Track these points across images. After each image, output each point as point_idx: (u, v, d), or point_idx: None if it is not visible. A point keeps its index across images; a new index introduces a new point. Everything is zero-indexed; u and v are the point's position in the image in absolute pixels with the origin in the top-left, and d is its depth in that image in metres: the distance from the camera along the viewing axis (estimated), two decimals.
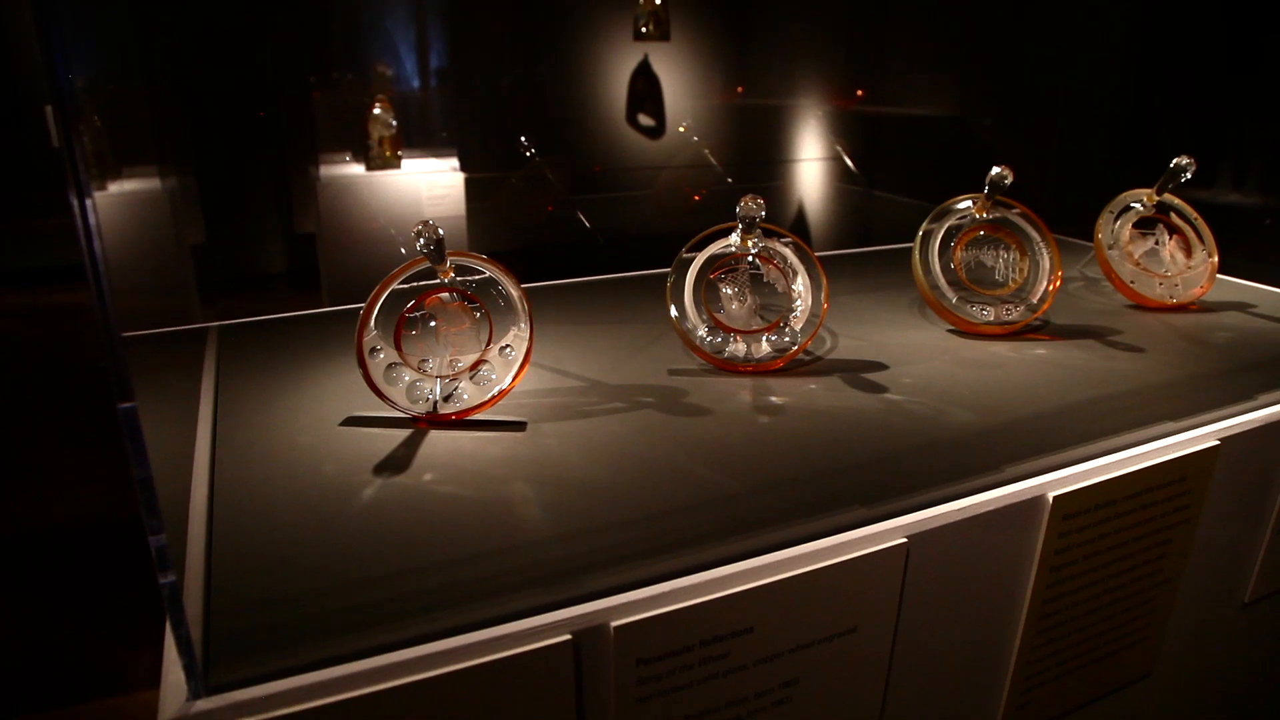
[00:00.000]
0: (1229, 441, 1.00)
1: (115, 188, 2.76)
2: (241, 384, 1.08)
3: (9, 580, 1.99)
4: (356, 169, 2.97)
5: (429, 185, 2.94)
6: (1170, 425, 0.99)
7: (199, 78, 3.00)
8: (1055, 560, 0.90)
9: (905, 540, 0.78)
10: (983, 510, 0.83)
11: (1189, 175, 1.36)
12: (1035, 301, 1.25)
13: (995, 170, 1.21)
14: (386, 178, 2.93)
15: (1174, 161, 1.36)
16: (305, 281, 3.26)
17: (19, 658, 1.75)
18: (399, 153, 2.95)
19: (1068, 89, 2.68)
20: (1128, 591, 0.99)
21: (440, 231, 0.92)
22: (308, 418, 0.97)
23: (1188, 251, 1.41)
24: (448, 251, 0.94)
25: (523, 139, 3.08)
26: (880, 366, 1.12)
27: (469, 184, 2.98)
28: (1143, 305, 1.40)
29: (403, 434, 0.93)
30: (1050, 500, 0.87)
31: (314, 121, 3.13)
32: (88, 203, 0.60)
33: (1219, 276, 1.50)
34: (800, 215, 3.61)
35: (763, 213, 1.07)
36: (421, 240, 0.91)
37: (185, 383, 1.09)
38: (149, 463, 0.64)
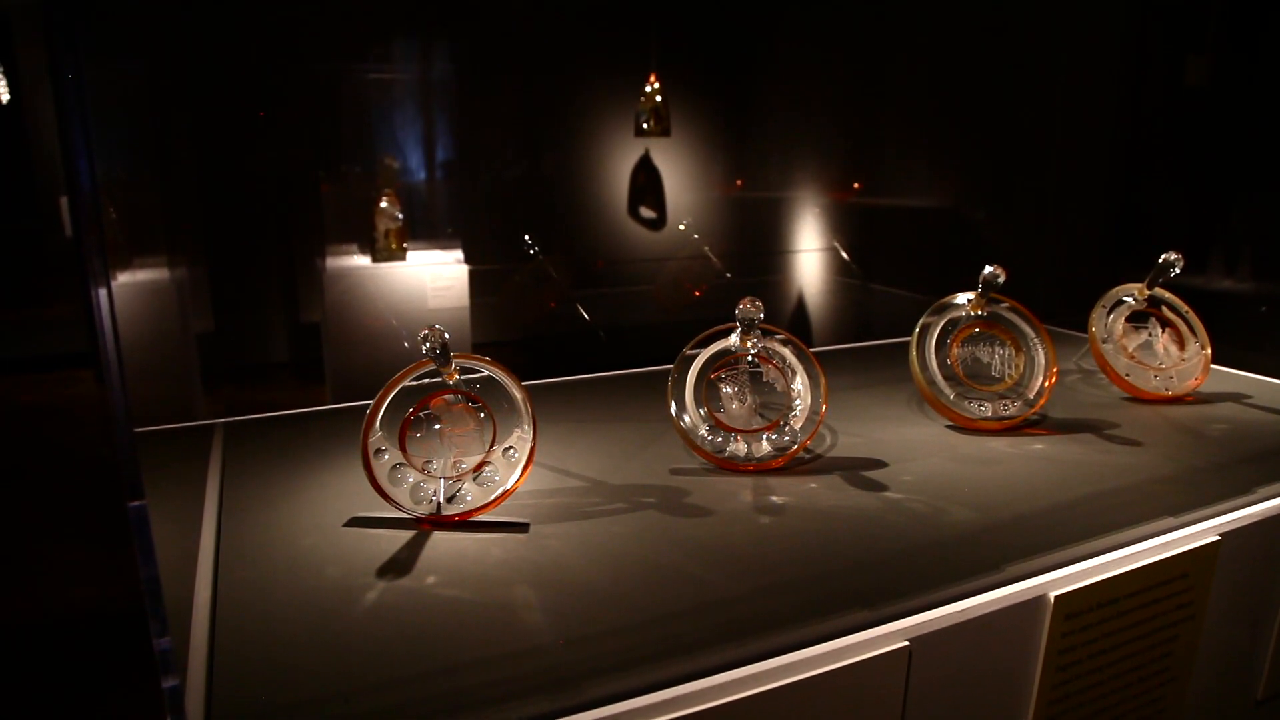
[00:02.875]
0: (1229, 536, 1.00)
1: (125, 277, 2.81)
2: (247, 482, 1.09)
3: (5, 675, 1.96)
4: (362, 260, 3.02)
5: (434, 277, 2.99)
6: (1170, 521, 1.00)
7: (209, 169, 3.08)
8: (1060, 660, 0.90)
9: (908, 643, 0.78)
10: (985, 611, 0.83)
11: (1177, 270, 1.39)
12: (1032, 397, 1.26)
13: (988, 270, 1.24)
14: (392, 269, 2.98)
15: (1162, 257, 1.39)
16: (309, 371, 3.29)
17: None
18: (404, 245, 3.01)
19: (1060, 178, 2.75)
20: (1135, 691, 0.98)
21: (446, 335, 0.94)
22: (312, 518, 0.98)
23: (1181, 344, 1.43)
24: (452, 353, 0.96)
25: (527, 238, 3.14)
26: (880, 464, 1.13)
27: (473, 276, 3.03)
28: (1139, 398, 1.41)
29: (406, 535, 0.93)
30: (1052, 600, 0.87)
31: (322, 214, 3.20)
32: (105, 321, 0.62)
33: (1213, 367, 1.52)
34: (800, 308, 3.66)
35: (761, 315, 1.09)
36: (427, 344, 0.93)
37: (191, 480, 1.10)
38: (156, 561, 0.64)
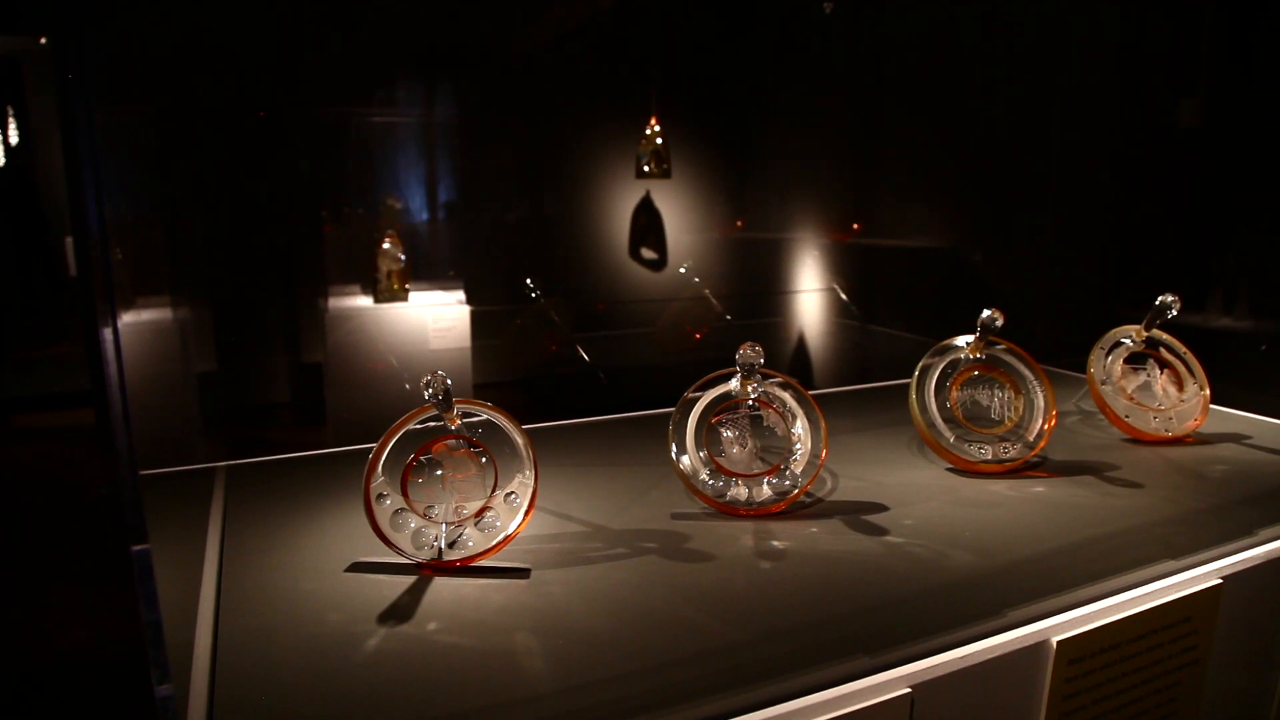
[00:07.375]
0: (1231, 580, 1.00)
1: (129, 317, 2.82)
2: (248, 526, 1.09)
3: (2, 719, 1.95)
4: (365, 301, 3.04)
5: (435, 318, 3.00)
6: (1171, 565, 1.00)
7: (213, 210, 3.10)
8: (1064, 706, 0.89)
9: (910, 690, 0.78)
10: (987, 657, 0.83)
11: (1174, 311, 1.40)
12: (1032, 439, 1.27)
13: (986, 313, 1.25)
14: (394, 310, 3.00)
15: (1159, 299, 1.40)
16: (310, 410, 3.29)
17: None
18: (407, 286, 3.02)
19: (1057, 220, 2.77)
20: None
21: (449, 382, 0.94)
22: (313, 563, 0.98)
23: (1179, 385, 1.44)
24: (454, 399, 0.97)
25: (528, 281, 3.16)
26: (880, 508, 1.13)
27: (474, 316, 3.04)
28: (1139, 439, 1.42)
29: (407, 581, 0.93)
30: (1054, 645, 0.87)
31: (324, 255, 3.22)
32: (111, 364, 0.63)
33: (1213, 407, 1.52)
34: (800, 349, 3.67)
35: (761, 359, 1.10)
36: (430, 390, 0.94)
37: (192, 523, 1.10)
38: (159, 607, 0.64)
